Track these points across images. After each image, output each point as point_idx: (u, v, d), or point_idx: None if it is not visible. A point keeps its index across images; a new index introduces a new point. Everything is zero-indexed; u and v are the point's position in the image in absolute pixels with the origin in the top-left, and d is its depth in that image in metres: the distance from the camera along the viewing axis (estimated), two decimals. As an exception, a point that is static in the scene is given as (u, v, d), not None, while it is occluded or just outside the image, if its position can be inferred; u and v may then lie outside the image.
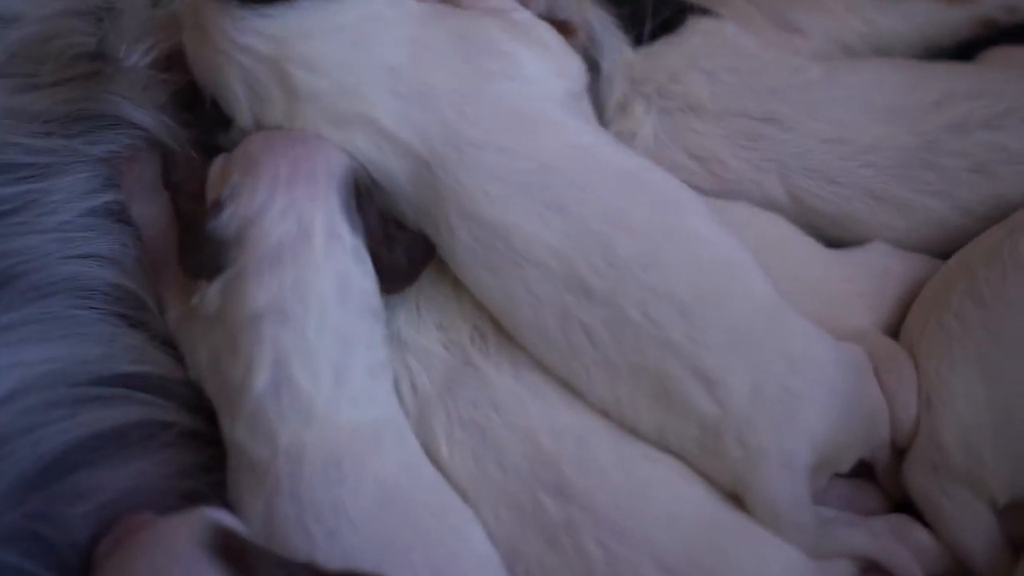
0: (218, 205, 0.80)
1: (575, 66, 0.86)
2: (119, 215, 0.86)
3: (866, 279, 0.89)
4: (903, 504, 0.83)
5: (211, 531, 0.69)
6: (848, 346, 0.82)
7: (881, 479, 0.84)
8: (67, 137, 0.84)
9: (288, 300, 0.77)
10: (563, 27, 0.93)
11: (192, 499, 0.78)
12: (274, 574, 0.69)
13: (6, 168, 0.82)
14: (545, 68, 0.84)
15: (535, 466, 0.79)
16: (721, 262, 0.80)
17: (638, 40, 0.97)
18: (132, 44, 0.87)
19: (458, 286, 0.84)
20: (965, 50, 1.03)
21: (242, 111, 0.83)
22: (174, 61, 0.88)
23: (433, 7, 0.84)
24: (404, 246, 0.82)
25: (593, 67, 0.96)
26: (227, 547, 0.69)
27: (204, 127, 0.86)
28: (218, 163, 0.83)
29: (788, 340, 0.79)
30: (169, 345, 0.84)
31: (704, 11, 1.00)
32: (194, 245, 0.80)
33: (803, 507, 0.76)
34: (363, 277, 0.80)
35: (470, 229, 0.80)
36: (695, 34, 0.96)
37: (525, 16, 0.86)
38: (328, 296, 0.78)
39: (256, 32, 0.81)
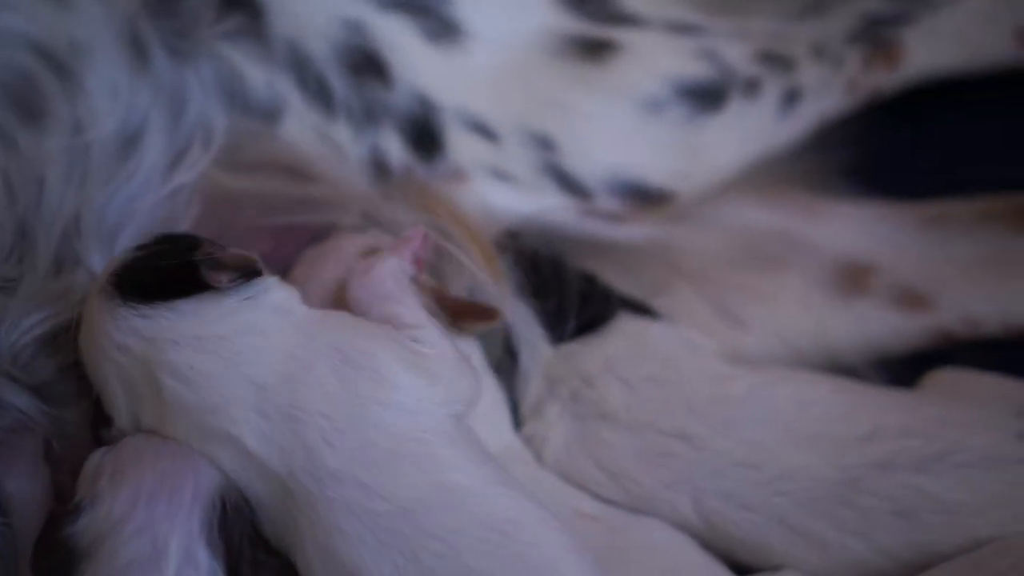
0: (78, 510, 0.76)
1: (465, 389, 0.81)
2: (-16, 498, 0.81)
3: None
4: None
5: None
6: None
7: None
8: (-65, 418, 0.81)
9: None
10: (485, 313, 0.90)
11: None
12: None
13: None
14: (428, 396, 0.79)
15: None
16: None
17: (563, 337, 0.92)
18: (16, 321, 0.84)
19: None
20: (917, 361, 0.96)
21: (120, 410, 0.80)
22: (61, 338, 0.85)
23: (324, 316, 0.81)
24: (272, 571, 0.78)
25: (512, 362, 0.92)
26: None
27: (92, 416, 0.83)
28: (96, 457, 0.80)
29: None
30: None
31: (639, 306, 0.95)
32: (47, 549, 0.77)
33: None
34: None
35: (324, 565, 0.75)
36: (617, 336, 0.92)
37: (426, 335, 0.81)
38: None
39: (134, 332, 0.79)
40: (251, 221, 0.94)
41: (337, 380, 0.78)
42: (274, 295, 0.80)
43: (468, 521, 0.75)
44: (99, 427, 0.82)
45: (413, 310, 0.82)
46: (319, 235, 0.93)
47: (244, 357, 0.78)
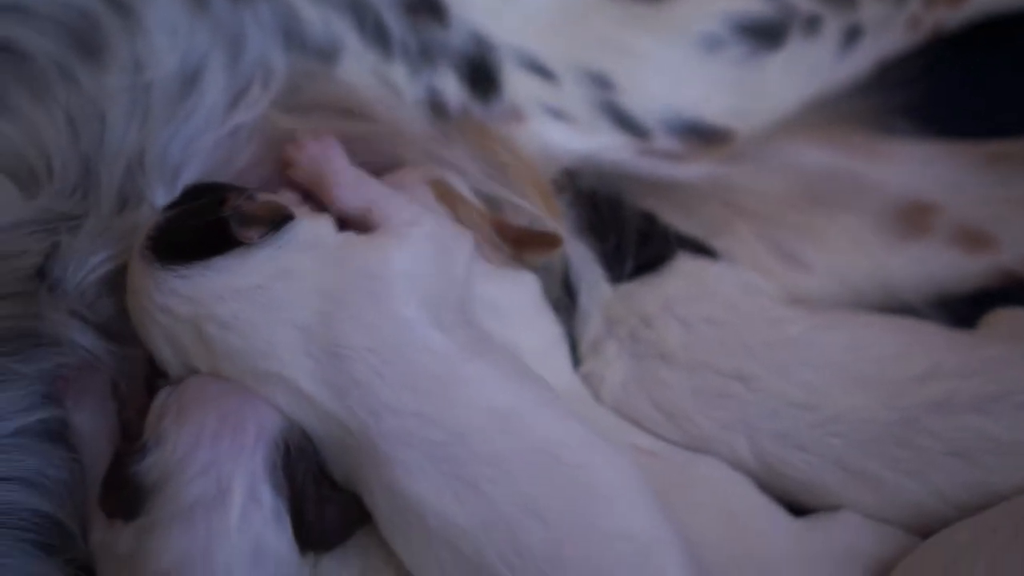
0: (143, 449, 0.78)
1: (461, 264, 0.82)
2: (50, 435, 0.84)
3: (830, 561, 0.83)
4: None
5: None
6: None
7: None
8: (1, 355, 0.82)
9: (195, 565, 0.74)
10: (547, 240, 0.92)
11: None
12: None
13: (-70, 385, 0.80)
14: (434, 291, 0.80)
15: None
16: (636, 568, 0.73)
17: (620, 276, 0.92)
18: (82, 259, 0.86)
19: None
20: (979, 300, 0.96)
21: (171, 365, 0.82)
22: (124, 278, 0.86)
23: (351, 242, 0.81)
24: (338, 507, 0.79)
25: (571, 301, 0.92)
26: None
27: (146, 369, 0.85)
28: (162, 396, 0.81)
29: None
30: (86, 571, 0.81)
31: (699, 245, 0.95)
32: (114, 485, 0.78)
33: None
34: (281, 543, 0.76)
35: (387, 499, 0.76)
36: (676, 276, 0.92)
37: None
38: (237, 564, 0.74)
39: (174, 293, 0.79)
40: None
41: (373, 307, 0.78)
42: (304, 232, 0.80)
43: (520, 445, 0.75)
44: (155, 379, 0.83)
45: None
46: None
47: (282, 302, 0.78)
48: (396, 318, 0.77)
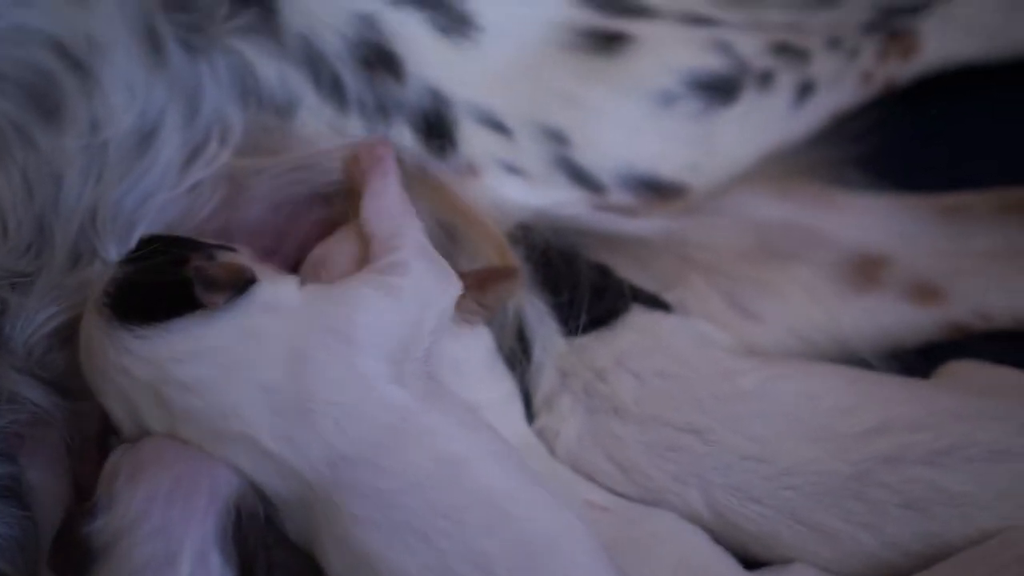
0: (94, 510, 0.77)
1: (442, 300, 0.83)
2: (3, 491, 0.85)
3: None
4: None
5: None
6: None
7: None
8: (-47, 413, 0.82)
9: None
10: (505, 272, 0.93)
11: None
12: None
13: None
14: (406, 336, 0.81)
15: None
16: None
17: (573, 331, 0.93)
18: (33, 315, 0.86)
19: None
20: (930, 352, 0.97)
21: (125, 425, 0.81)
22: (75, 332, 0.86)
23: (311, 298, 0.81)
24: (287, 572, 0.79)
25: (524, 355, 0.93)
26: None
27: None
28: (116, 455, 0.81)
29: None
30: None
31: (653, 299, 0.96)
32: (64, 545, 0.78)
33: None
34: None
35: (340, 554, 0.76)
36: (629, 330, 0.93)
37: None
38: None
39: (131, 353, 0.79)
40: (263, 214, 0.94)
41: (338, 362, 0.79)
42: (266, 295, 0.81)
43: (471, 498, 0.76)
44: (107, 435, 0.83)
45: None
46: (327, 225, 0.94)
47: (246, 363, 0.78)
48: (357, 372, 0.78)
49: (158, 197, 0.94)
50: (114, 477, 0.79)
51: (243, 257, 0.83)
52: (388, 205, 0.86)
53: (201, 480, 0.78)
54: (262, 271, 0.82)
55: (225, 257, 0.82)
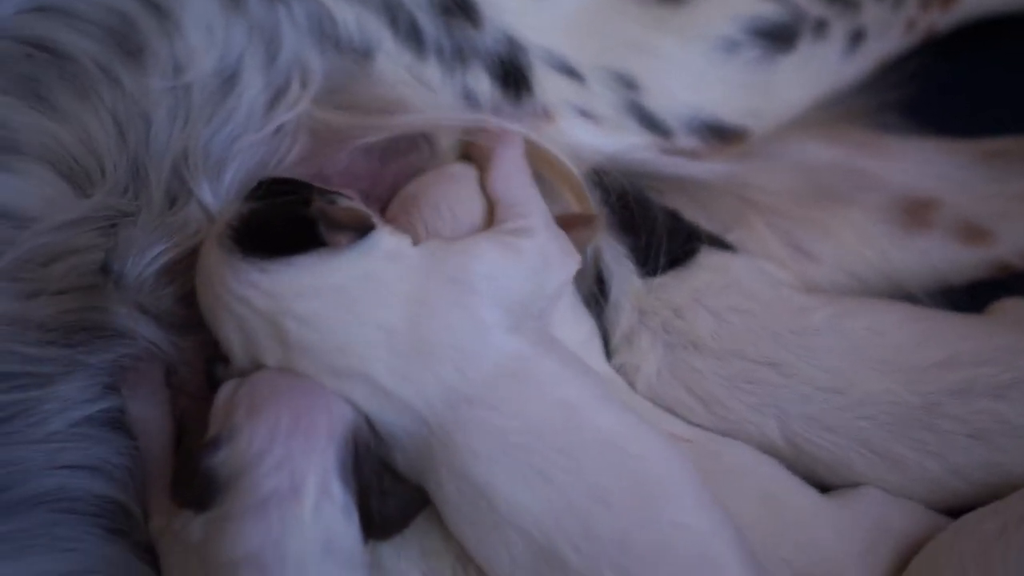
0: (216, 443, 0.80)
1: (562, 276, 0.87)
2: (113, 423, 0.87)
3: (861, 535, 0.88)
4: None
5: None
6: None
7: None
8: (67, 346, 0.85)
9: (267, 555, 0.76)
10: (586, 219, 0.95)
11: None
12: None
13: (1, 377, 0.82)
14: (526, 298, 0.85)
15: None
16: (697, 556, 0.78)
17: (651, 271, 0.97)
18: (140, 252, 0.88)
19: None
20: (976, 289, 1.01)
21: (237, 355, 0.84)
22: (180, 268, 0.89)
23: (433, 251, 0.85)
24: (399, 500, 0.82)
25: (602, 296, 0.96)
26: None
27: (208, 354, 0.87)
28: (226, 390, 0.83)
29: None
30: (151, 553, 0.84)
31: (717, 240, 1.00)
32: (186, 477, 0.80)
33: None
34: (349, 535, 0.79)
35: (458, 486, 0.80)
36: (703, 269, 0.97)
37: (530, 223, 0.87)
38: (310, 555, 0.77)
39: (254, 285, 0.82)
40: (351, 154, 0.97)
41: (459, 310, 0.82)
42: (386, 244, 0.84)
43: (588, 437, 0.80)
44: (214, 364, 0.85)
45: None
46: (417, 171, 0.97)
47: (365, 304, 0.82)
48: (477, 320, 0.82)
49: (245, 139, 0.96)
50: (232, 411, 0.81)
51: (359, 204, 0.86)
52: (517, 175, 0.90)
53: (320, 414, 0.81)
54: (378, 220, 0.85)
55: (344, 202, 0.84)
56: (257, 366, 0.84)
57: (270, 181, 0.87)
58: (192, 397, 0.90)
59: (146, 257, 0.88)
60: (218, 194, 0.93)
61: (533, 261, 0.85)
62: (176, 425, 0.90)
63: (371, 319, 0.81)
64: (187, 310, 0.89)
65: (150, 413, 0.89)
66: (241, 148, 0.95)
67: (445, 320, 0.81)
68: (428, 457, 0.81)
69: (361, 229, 0.82)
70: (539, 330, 0.84)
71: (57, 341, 0.85)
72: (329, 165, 0.94)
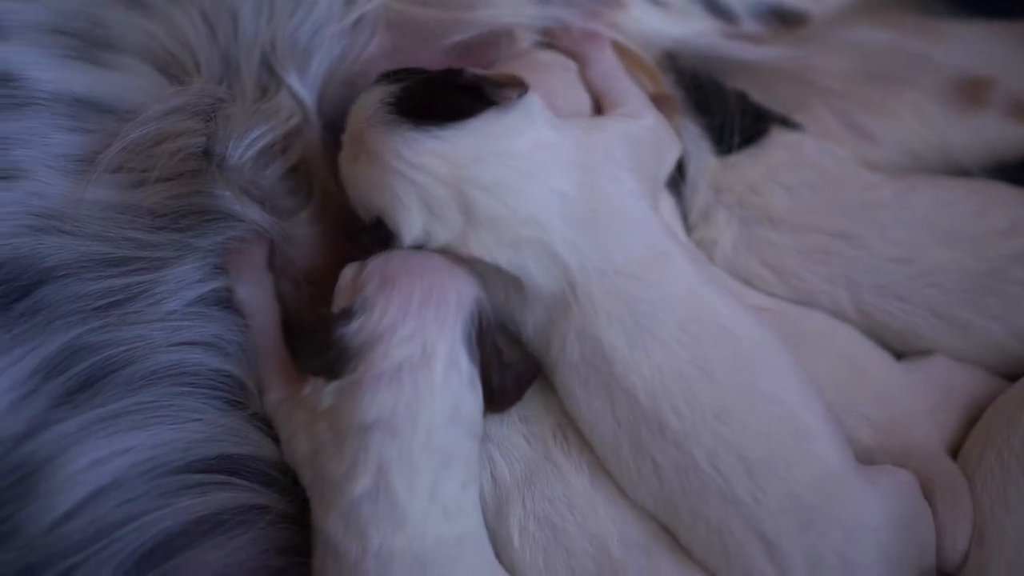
0: (349, 314, 0.84)
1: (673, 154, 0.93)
2: (224, 303, 0.90)
3: (933, 394, 0.93)
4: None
5: None
6: (900, 477, 0.86)
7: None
8: (177, 231, 0.89)
9: (399, 419, 0.81)
10: (664, 99, 0.99)
11: (277, 577, 0.83)
12: None
13: (120, 261, 0.86)
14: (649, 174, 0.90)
15: (602, 571, 0.84)
16: (793, 427, 0.83)
17: (726, 150, 1.01)
18: (239, 136, 0.92)
19: (545, 383, 0.89)
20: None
21: (412, 228, 0.86)
22: (278, 151, 0.93)
23: (579, 126, 0.89)
24: (515, 373, 0.87)
25: (680, 174, 1.01)
26: None
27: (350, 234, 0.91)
28: (349, 271, 0.87)
29: (845, 510, 0.81)
30: (268, 424, 0.89)
31: (784, 120, 1.04)
32: (318, 347, 0.84)
33: None
34: (473, 404, 0.84)
35: (582, 348, 0.85)
36: (777, 148, 1.01)
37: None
38: (438, 420, 0.82)
39: (431, 153, 0.84)
40: (431, 48, 1.00)
41: (617, 185, 0.87)
42: (541, 108, 0.87)
43: (704, 316, 0.85)
44: (375, 247, 0.88)
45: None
46: (495, 60, 1.00)
47: (542, 169, 0.85)
48: (630, 192, 0.87)
49: (327, 30, 0.99)
50: (362, 286, 0.85)
51: None
52: (614, 69, 0.95)
53: (449, 290, 0.85)
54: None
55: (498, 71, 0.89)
56: (430, 243, 0.87)
57: (392, 71, 0.90)
58: (292, 280, 0.94)
59: (245, 141, 0.92)
60: (306, 83, 0.96)
61: (653, 141, 0.90)
62: (280, 305, 0.93)
63: (548, 186, 0.85)
64: (287, 192, 0.93)
65: (256, 293, 0.93)
66: (324, 39, 0.99)
67: (607, 192, 0.86)
68: (562, 320, 0.85)
69: (521, 86, 0.85)
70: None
71: (167, 226, 0.89)
72: (411, 61, 0.97)
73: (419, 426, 0.81)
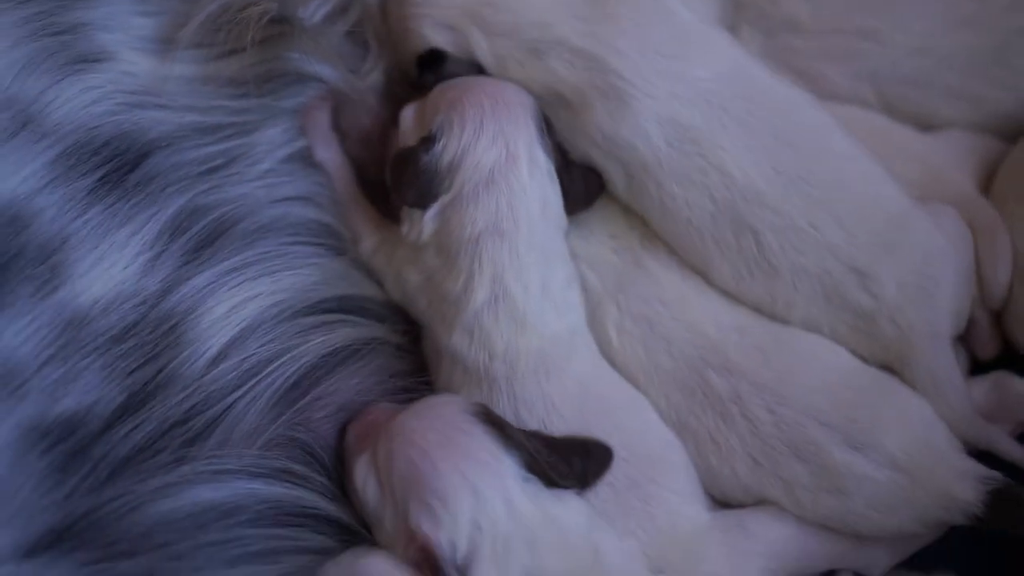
0: (430, 140, 0.89)
1: None
2: (311, 159, 0.97)
3: (958, 153, 1.02)
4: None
5: (472, 405, 0.84)
6: (947, 214, 0.95)
7: (977, 336, 0.98)
8: (260, 96, 0.94)
9: (503, 219, 0.88)
10: None
11: (404, 396, 0.92)
12: (520, 436, 0.82)
13: (214, 129, 0.92)
14: None
15: (703, 352, 0.92)
16: (863, 175, 0.93)
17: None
18: (307, 2, 0.96)
19: (627, 208, 0.96)
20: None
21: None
22: (343, 13, 0.99)
23: None
24: (581, 177, 0.93)
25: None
26: (487, 415, 0.83)
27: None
28: (409, 111, 0.93)
29: (918, 236, 0.92)
30: (366, 268, 0.96)
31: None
32: (410, 179, 0.89)
33: (954, 370, 0.91)
34: (556, 197, 0.90)
35: (666, 133, 0.91)
36: (789, -44, 1.07)
37: None
38: (534, 214, 0.88)
39: None
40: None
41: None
42: None
43: (758, 91, 0.96)
44: (427, 77, 0.94)
45: None
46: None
47: None
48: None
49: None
50: (430, 115, 0.91)
51: None
52: None
53: (511, 94, 0.91)
54: None
55: None
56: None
57: None
58: (358, 141, 1.00)
59: (312, 5, 0.97)
60: None
61: None
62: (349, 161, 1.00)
63: None
64: (356, 48, 0.99)
65: (331, 153, 0.98)
66: None
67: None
68: (627, 112, 0.91)
69: None
70: None
71: (251, 93, 0.94)
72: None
73: (520, 223, 0.87)
